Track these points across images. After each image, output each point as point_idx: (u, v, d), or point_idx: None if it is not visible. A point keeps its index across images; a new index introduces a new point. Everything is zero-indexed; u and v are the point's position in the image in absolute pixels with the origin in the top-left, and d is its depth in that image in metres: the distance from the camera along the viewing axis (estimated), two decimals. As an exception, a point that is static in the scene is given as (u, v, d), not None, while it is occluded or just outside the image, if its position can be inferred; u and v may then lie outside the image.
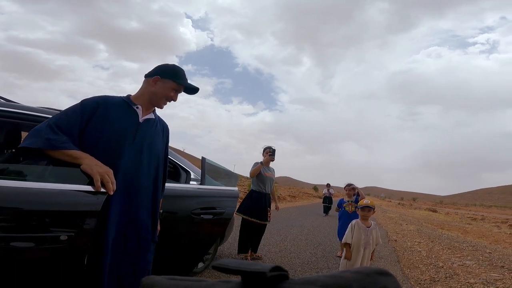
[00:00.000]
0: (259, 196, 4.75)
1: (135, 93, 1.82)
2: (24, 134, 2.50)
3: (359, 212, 3.78)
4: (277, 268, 0.33)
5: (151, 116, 1.82)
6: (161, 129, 1.89)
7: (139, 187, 1.69)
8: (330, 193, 15.75)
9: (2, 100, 2.22)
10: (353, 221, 3.73)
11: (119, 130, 1.66)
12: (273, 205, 5.11)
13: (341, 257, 5.04)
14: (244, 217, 4.71)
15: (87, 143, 1.61)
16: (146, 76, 1.81)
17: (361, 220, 3.68)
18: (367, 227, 3.62)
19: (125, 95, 1.83)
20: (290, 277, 0.34)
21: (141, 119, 1.75)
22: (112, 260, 1.58)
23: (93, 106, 1.66)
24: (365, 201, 3.74)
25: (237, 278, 0.35)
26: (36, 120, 1.84)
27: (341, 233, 5.07)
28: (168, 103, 1.84)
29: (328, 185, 16.13)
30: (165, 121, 1.98)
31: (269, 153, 4.71)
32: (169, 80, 1.78)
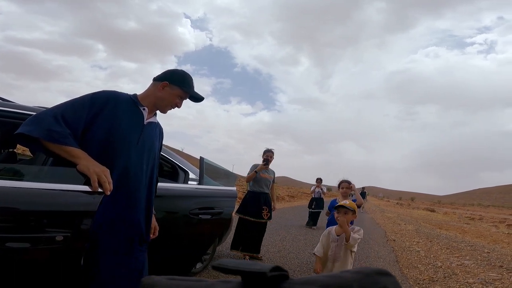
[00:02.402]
0: (254, 195, 4.94)
1: (142, 93, 1.81)
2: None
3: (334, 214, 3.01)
4: (277, 268, 0.33)
5: (154, 120, 1.82)
6: (158, 133, 1.90)
7: (138, 187, 1.69)
8: (322, 192, 10.52)
9: (-2, 99, 2.21)
10: (327, 229, 3.07)
11: (125, 130, 1.65)
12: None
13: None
14: (239, 215, 4.94)
15: (92, 139, 1.58)
16: (155, 79, 1.80)
17: (338, 226, 2.92)
18: (338, 235, 2.87)
19: (131, 93, 1.82)
20: (290, 277, 0.34)
21: (145, 122, 1.75)
22: (108, 261, 1.57)
23: (103, 101, 1.63)
24: (343, 201, 3.00)
25: (237, 278, 0.35)
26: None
27: None
28: (172, 109, 1.84)
29: (318, 181, 10.73)
30: (163, 121, 1.99)
31: (264, 162, 4.89)
32: (176, 87, 1.77)
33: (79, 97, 1.63)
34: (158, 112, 1.87)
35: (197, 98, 1.88)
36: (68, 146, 1.48)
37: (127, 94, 1.77)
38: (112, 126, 1.61)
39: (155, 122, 1.84)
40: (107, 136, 1.59)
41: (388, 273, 0.34)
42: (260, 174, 4.96)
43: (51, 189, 1.47)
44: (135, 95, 1.79)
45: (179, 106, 1.84)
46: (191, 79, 1.85)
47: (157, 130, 1.86)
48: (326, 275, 0.33)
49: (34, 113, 1.89)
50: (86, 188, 1.49)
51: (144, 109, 1.75)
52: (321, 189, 10.55)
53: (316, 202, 10.31)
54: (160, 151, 1.96)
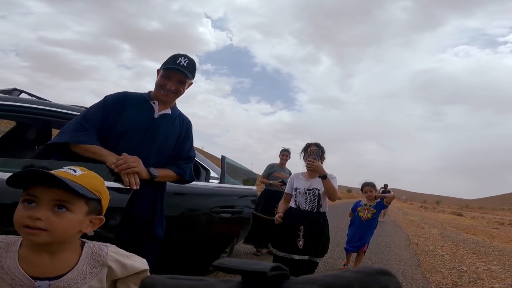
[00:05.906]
0: (269, 194, 5.06)
1: None
2: (54, 131, 2.63)
3: None
4: (277, 268, 0.33)
5: (168, 111, 1.83)
6: (180, 124, 1.89)
7: (142, 181, 1.63)
8: (312, 192, 2.92)
9: (34, 98, 2.34)
10: None
11: (130, 125, 1.71)
12: None
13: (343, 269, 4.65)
14: (253, 212, 4.95)
15: (101, 137, 1.65)
16: None
17: None
18: None
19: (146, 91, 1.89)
20: (290, 276, 0.34)
21: (156, 115, 1.78)
22: None
23: (113, 101, 1.73)
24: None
25: (238, 278, 0.35)
26: (65, 117, 1.93)
27: (351, 243, 4.55)
28: (171, 94, 1.79)
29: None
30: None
31: (281, 183, 4.87)
32: (161, 70, 1.80)
33: (96, 102, 1.76)
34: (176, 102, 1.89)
35: (172, 68, 1.76)
36: (93, 146, 1.59)
37: (140, 93, 1.85)
38: (117, 123, 1.69)
39: (170, 114, 1.84)
40: (111, 132, 1.68)
41: (389, 272, 0.34)
42: (275, 173, 5.10)
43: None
44: (149, 92, 1.86)
45: (170, 88, 1.76)
46: (174, 56, 1.79)
47: (176, 121, 1.87)
48: (327, 275, 0.34)
49: (67, 111, 2.00)
50: (116, 184, 1.54)
51: (154, 103, 1.80)
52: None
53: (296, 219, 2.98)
54: (184, 140, 1.92)
